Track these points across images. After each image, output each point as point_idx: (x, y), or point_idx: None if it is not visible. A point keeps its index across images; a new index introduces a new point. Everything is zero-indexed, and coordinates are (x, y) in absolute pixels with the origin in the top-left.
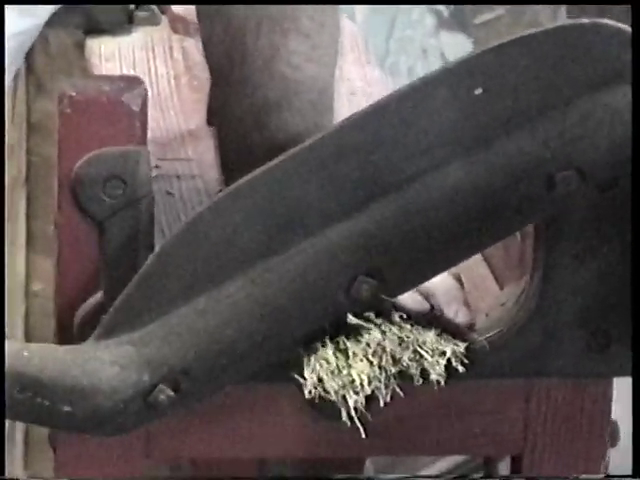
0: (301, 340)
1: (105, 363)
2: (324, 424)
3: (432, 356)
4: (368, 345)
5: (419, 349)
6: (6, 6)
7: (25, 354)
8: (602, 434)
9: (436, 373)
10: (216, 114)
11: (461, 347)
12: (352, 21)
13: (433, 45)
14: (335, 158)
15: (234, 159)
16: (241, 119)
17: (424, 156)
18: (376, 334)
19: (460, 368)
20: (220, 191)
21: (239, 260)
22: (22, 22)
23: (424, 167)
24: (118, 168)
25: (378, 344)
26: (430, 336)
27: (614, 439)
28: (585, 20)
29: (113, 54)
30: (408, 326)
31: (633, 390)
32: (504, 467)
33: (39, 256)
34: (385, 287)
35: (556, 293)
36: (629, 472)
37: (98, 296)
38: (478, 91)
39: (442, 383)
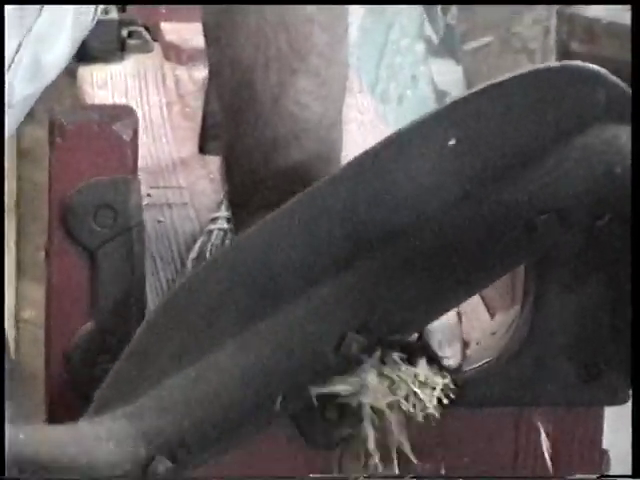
0: (292, 400)
1: (101, 439)
2: (310, 449)
3: (424, 391)
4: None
5: (412, 386)
6: (18, 73)
7: (21, 437)
8: (593, 463)
9: (431, 407)
10: (224, 149)
11: (448, 379)
12: None
13: (423, 72)
14: (315, 218)
15: (242, 195)
16: (249, 155)
17: (404, 210)
18: (373, 376)
19: (445, 401)
20: (212, 220)
21: (226, 327)
22: (31, 86)
23: (406, 221)
24: (109, 197)
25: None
26: (421, 370)
27: (605, 467)
28: (554, 64)
29: (105, 82)
30: (401, 363)
31: (633, 390)
32: None
33: (29, 283)
34: (374, 342)
35: (546, 322)
36: None
37: (89, 325)
38: (452, 142)
39: (437, 416)
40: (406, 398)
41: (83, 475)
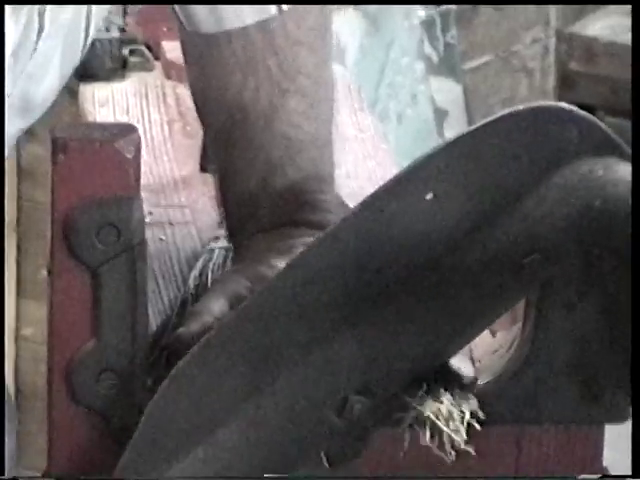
0: (300, 465)
1: None
2: None
3: (452, 424)
4: None
5: (438, 422)
6: (9, 112)
7: None
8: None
9: (460, 438)
10: (218, 175)
11: (474, 403)
12: (342, 66)
13: (423, 91)
14: (303, 286)
15: (239, 220)
16: (245, 179)
17: (391, 269)
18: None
19: (477, 426)
20: (214, 238)
21: (229, 405)
22: (20, 122)
23: (394, 279)
24: (112, 215)
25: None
26: (446, 402)
27: None
28: (523, 107)
29: (107, 100)
30: (426, 397)
31: (632, 390)
32: None
33: (29, 301)
34: (377, 401)
35: (547, 341)
36: None
37: (91, 342)
38: (429, 196)
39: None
40: (432, 436)
41: None
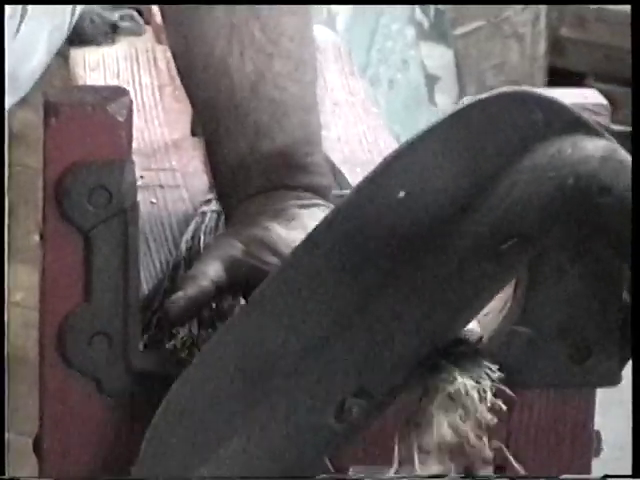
0: (304, 472)
1: None
2: None
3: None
4: None
5: (468, 404)
6: None
7: None
8: (585, 444)
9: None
10: (206, 142)
11: (495, 372)
12: (333, 31)
13: (413, 56)
14: (290, 295)
15: (229, 184)
16: (234, 144)
17: (373, 268)
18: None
19: (503, 406)
20: (205, 202)
21: (227, 420)
22: (7, 100)
23: (377, 278)
24: (103, 178)
25: None
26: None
27: (597, 449)
28: (484, 95)
29: (97, 64)
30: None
31: (633, 390)
32: None
33: (20, 266)
34: (373, 403)
35: (538, 305)
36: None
37: (83, 306)
38: (401, 195)
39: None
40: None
41: None
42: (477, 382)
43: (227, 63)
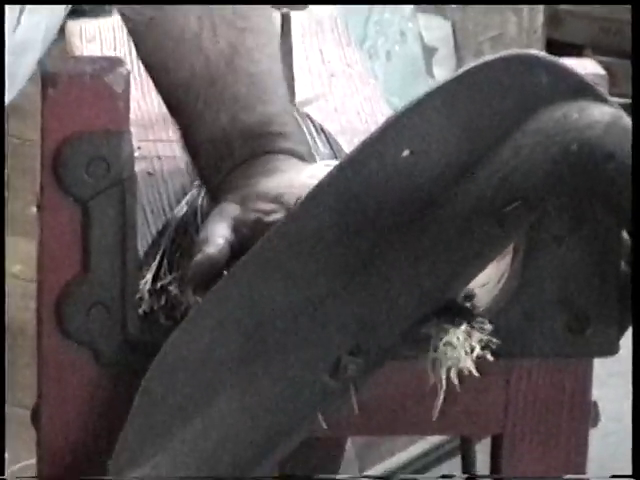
0: (296, 430)
1: None
2: None
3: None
4: None
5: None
6: None
7: None
8: (583, 413)
9: (467, 364)
10: (184, 122)
11: (487, 330)
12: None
13: (411, 28)
14: (288, 252)
15: (213, 159)
16: (217, 121)
17: (375, 227)
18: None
19: (490, 357)
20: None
21: (222, 374)
22: (7, 96)
23: (378, 237)
24: (101, 149)
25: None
26: (460, 333)
27: (595, 419)
28: (490, 57)
29: (94, 36)
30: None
31: (633, 389)
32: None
33: (18, 238)
34: (369, 361)
35: (537, 275)
36: (608, 451)
37: (81, 276)
38: (405, 153)
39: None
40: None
41: None
42: (467, 335)
43: (201, 40)
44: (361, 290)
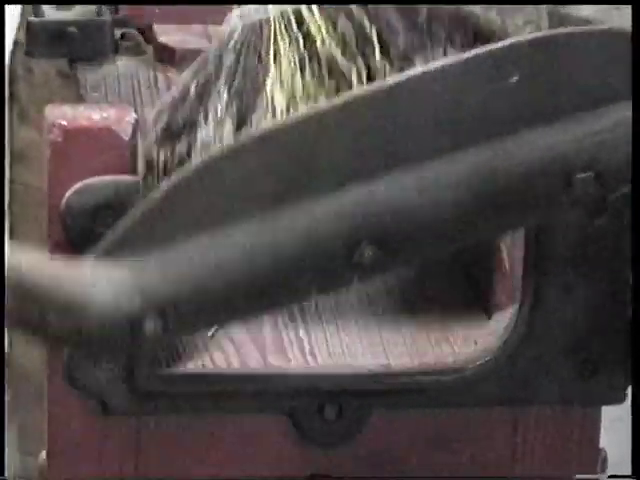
0: (293, 295)
1: (100, 283)
2: (309, 448)
3: None
4: None
5: None
6: None
7: (22, 265)
8: (591, 461)
9: None
10: None
11: None
12: None
13: None
14: (360, 124)
15: None
16: None
17: (446, 135)
18: None
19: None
20: None
21: (249, 205)
22: None
23: (445, 146)
24: (109, 197)
25: None
26: None
27: (603, 467)
28: (615, 27)
29: (98, 84)
30: None
31: (633, 389)
32: None
33: None
34: (387, 256)
35: (545, 322)
36: None
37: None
38: (514, 79)
39: None
40: None
41: (73, 312)
42: None
43: None
44: (408, 189)
